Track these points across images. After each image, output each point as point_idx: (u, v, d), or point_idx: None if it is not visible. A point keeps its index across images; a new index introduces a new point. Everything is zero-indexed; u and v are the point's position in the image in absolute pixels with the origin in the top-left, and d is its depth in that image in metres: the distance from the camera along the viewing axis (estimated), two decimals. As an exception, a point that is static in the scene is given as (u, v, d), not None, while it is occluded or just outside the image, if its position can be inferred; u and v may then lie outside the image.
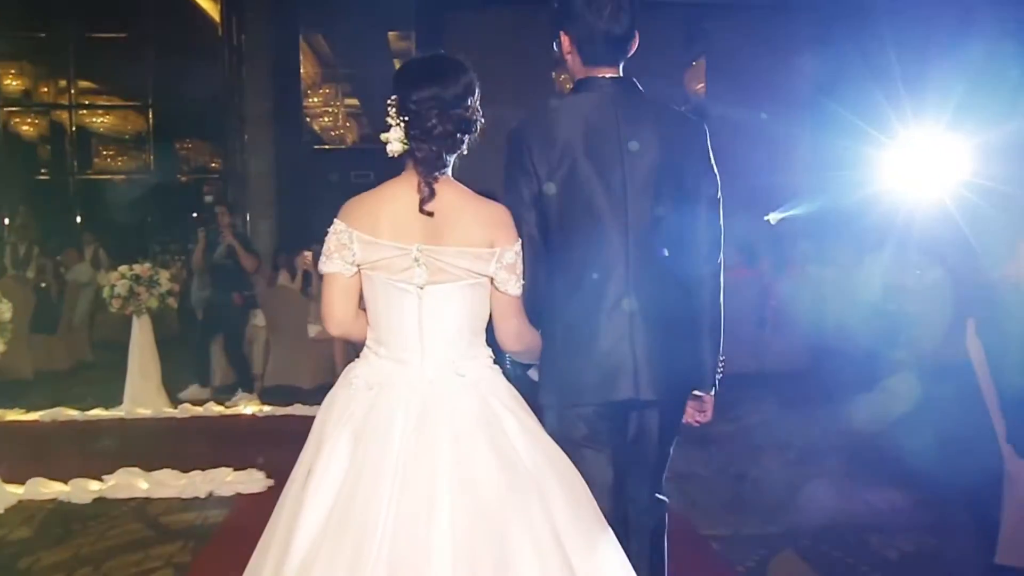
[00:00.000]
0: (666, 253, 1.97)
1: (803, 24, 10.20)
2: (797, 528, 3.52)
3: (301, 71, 12.28)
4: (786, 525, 3.56)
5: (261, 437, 5.16)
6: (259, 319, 6.78)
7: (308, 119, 12.74)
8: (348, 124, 13.62)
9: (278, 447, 4.80)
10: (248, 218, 11.62)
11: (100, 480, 4.08)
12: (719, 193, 2.01)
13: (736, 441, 4.70)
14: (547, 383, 1.98)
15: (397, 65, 10.83)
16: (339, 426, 1.74)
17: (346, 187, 11.69)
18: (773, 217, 6.78)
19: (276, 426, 5.46)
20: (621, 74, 2.03)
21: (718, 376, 2.03)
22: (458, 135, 1.82)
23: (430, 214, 1.78)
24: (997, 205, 6.63)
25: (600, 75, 2.01)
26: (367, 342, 1.87)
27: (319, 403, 5.61)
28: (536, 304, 1.94)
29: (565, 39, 2.03)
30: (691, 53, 11.73)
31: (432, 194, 1.79)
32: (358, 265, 1.80)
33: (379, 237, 1.78)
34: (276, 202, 11.56)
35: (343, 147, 13.25)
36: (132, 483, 4.03)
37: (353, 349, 6.42)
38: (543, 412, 1.95)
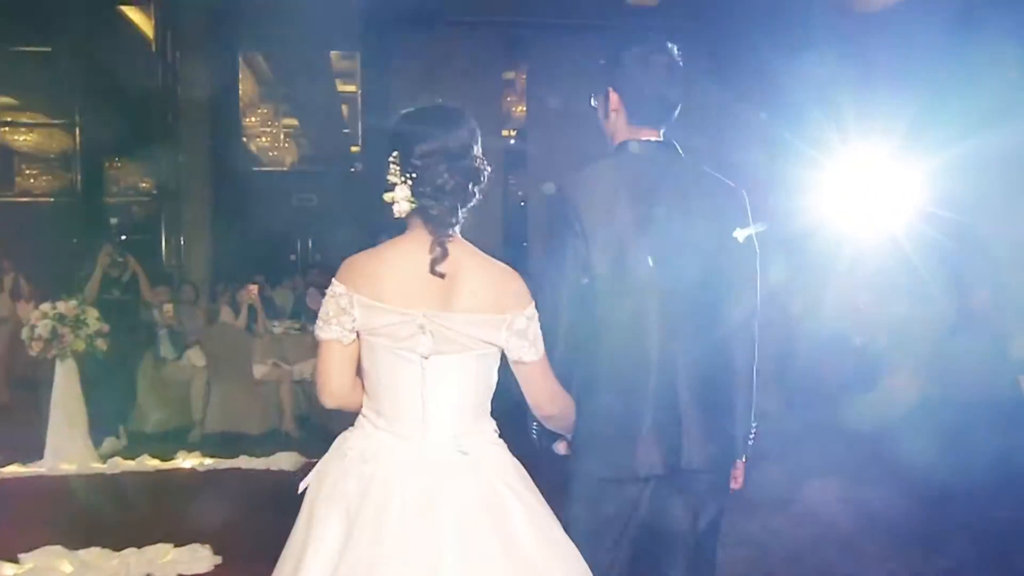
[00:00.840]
0: (701, 315, 1.94)
1: (743, 41, 10.13)
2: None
3: (240, 90, 11.89)
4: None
5: (205, 497, 4.62)
6: (198, 358, 6.24)
7: (245, 139, 12.32)
8: (287, 145, 13.27)
9: (225, 510, 4.35)
10: (183, 242, 11.13)
11: (15, 562, 3.50)
12: (757, 263, 1.99)
13: (732, 499, 4.35)
14: (587, 454, 1.91)
15: (339, 85, 10.57)
16: (331, 503, 1.63)
17: (288, 211, 11.29)
18: (740, 234, 6.44)
19: (221, 482, 4.92)
20: (662, 137, 2.02)
21: (750, 442, 2.00)
22: (470, 187, 1.71)
23: (442, 275, 1.67)
24: (951, 235, 6.56)
25: (644, 138, 1.99)
26: (363, 410, 1.74)
27: (267, 453, 5.08)
28: (573, 367, 1.89)
29: (614, 97, 2.01)
30: None
31: (445, 254, 1.67)
32: (357, 331, 1.68)
33: (383, 301, 1.66)
34: (212, 226, 11.12)
35: (284, 169, 12.86)
36: (54, 566, 3.46)
37: (303, 391, 5.87)
38: (575, 481, 1.91)
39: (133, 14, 10.72)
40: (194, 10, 10.53)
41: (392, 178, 1.69)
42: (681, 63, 2.01)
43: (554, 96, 10.37)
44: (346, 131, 12.95)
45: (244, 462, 5.28)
